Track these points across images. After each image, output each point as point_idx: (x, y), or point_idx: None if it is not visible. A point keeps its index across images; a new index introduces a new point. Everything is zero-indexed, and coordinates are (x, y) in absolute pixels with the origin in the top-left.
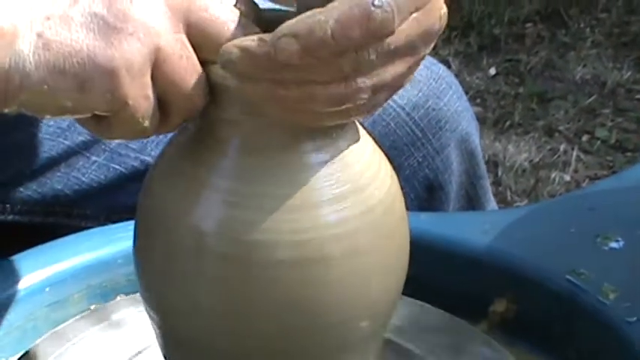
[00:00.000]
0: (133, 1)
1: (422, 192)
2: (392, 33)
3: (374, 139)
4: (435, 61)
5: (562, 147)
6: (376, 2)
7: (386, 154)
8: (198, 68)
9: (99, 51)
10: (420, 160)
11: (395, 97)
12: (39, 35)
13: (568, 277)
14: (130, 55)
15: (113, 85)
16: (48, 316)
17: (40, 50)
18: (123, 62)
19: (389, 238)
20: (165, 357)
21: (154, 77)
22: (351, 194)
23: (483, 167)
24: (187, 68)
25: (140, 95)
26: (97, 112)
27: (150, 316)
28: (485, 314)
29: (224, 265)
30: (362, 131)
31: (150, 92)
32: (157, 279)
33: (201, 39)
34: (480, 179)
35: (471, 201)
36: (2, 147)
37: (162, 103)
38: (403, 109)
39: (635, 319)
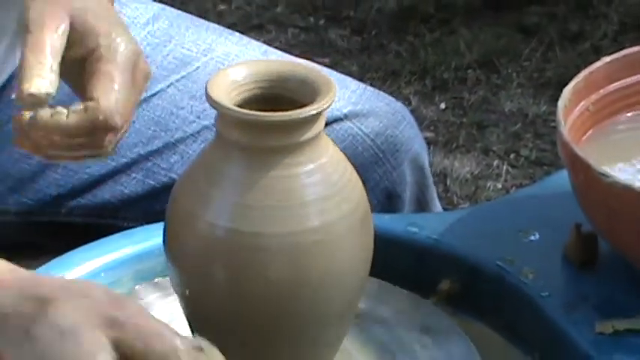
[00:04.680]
0: None
1: (383, 199)
2: None
3: (348, 158)
4: (393, 99)
5: (495, 163)
6: None
7: (356, 170)
8: None
9: None
10: (381, 174)
11: (362, 127)
12: None
13: (498, 262)
14: None
15: None
16: None
17: None
18: None
19: (359, 234)
20: (190, 326)
21: None
22: (330, 201)
23: (431, 180)
24: None
25: None
26: None
27: (176, 293)
28: (434, 291)
29: (230, 254)
30: (339, 152)
31: None
32: (181, 267)
33: None
34: (428, 189)
35: (421, 205)
36: (64, 168)
37: None
38: (368, 136)
39: (547, 293)
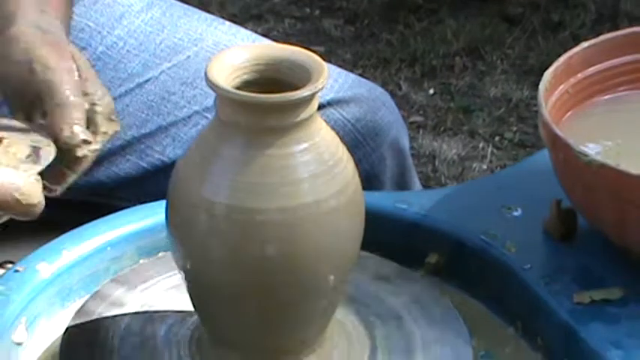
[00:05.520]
0: None
1: (362, 180)
2: None
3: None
4: (374, 85)
5: (481, 145)
6: None
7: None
8: None
9: None
10: (361, 157)
11: (344, 112)
12: None
13: (482, 236)
14: None
15: None
16: (108, 268)
17: None
18: None
19: (350, 210)
20: (190, 297)
21: None
22: (323, 177)
23: (411, 162)
24: None
25: None
26: None
27: (178, 266)
28: (422, 264)
29: (229, 229)
30: (331, 133)
31: None
32: (182, 242)
33: None
34: (408, 170)
35: (401, 186)
36: None
37: None
38: (349, 121)
39: (529, 266)
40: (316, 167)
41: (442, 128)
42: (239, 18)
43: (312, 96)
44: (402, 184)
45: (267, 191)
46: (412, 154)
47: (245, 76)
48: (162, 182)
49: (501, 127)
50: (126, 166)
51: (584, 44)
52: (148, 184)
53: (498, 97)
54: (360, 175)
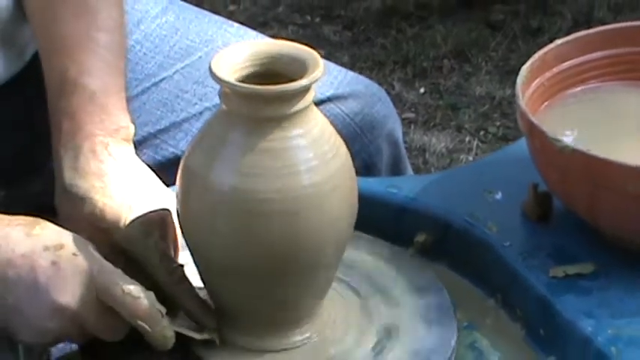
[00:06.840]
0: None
1: (361, 169)
2: None
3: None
4: (371, 82)
5: (467, 139)
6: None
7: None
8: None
9: None
10: (359, 148)
11: (342, 107)
12: None
13: (466, 218)
14: None
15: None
16: None
17: None
18: None
19: (344, 191)
20: (198, 270)
21: None
22: (319, 162)
23: (404, 151)
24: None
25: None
26: None
27: (187, 246)
28: (411, 243)
29: (234, 209)
30: (326, 121)
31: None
32: (190, 222)
33: None
34: (402, 159)
35: (395, 174)
36: None
37: None
38: (348, 115)
39: (508, 243)
40: (312, 153)
41: (432, 124)
42: (246, 25)
43: (307, 87)
44: (396, 171)
45: (268, 174)
46: (404, 147)
47: (248, 70)
48: (176, 173)
49: (486, 123)
50: (142, 159)
51: (558, 41)
52: (163, 176)
53: (483, 96)
54: (358, 164)
